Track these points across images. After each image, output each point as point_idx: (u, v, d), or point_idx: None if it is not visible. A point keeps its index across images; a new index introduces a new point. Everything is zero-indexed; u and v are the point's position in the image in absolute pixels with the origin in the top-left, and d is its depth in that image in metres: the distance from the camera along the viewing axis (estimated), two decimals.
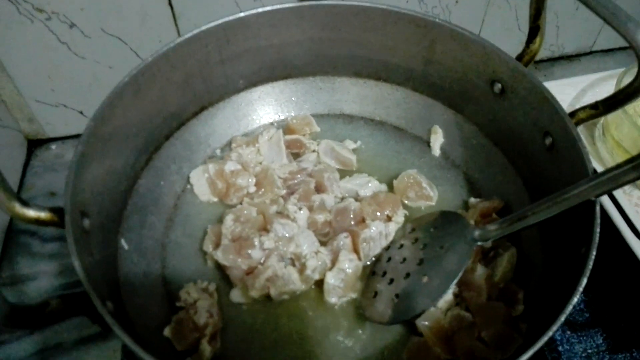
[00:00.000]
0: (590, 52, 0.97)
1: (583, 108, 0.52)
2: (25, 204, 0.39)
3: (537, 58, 0.56)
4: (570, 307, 0.39)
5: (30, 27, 0.64)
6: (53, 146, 0.77)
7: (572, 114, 0.52)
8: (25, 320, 0.34)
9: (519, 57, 0.56)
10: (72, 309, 0.38)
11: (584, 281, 0.40)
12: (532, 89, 0.53)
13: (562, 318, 0.38)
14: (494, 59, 0.55)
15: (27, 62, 0.67)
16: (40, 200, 0.71)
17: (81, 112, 0.76)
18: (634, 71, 0.45)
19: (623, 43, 0.59)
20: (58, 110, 0.74)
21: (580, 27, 0.90)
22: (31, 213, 0.39)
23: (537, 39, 0.56)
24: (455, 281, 0.47)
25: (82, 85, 0.72)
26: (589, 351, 0.56)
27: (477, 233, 0.49)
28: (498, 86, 0.57)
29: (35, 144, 0.77)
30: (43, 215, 0.39)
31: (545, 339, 0.37)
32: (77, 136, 0.78)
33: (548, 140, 0.52)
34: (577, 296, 0.39)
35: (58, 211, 0.40)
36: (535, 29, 0.56)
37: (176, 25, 0.70)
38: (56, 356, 0.56)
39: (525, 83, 0.53)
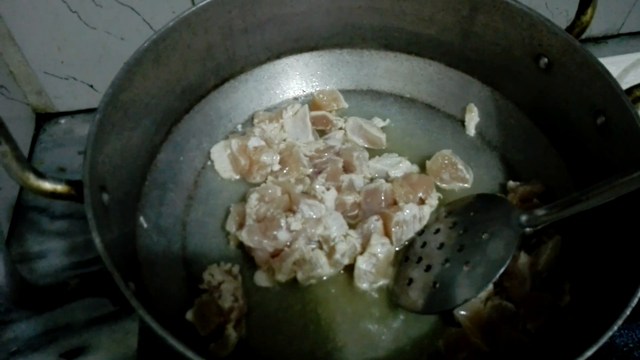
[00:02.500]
0: (618, 35, 0.92)
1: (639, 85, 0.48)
2: (41, 175, 0.36)
3: None
4: (635, 299, 0.35)
5: None
6: (62, 121, 0.75)
7: (628, 92, 0.48)
8: (43, 299, 0.31)
9: (569, 30, 0.52)
10: (91, 289, 0.35)
11: None
12: (583, 63, 0.49)
13: (628, 311, 0.35)
14: (541, 31, 0.51)
15: (36, 31, 0.64)
16: None
17: (91, 86, 0.72)
18: None
19: None
20: (67, 83, 0.71)
21: (608, 7, 0.86)
22: (47, 185, 0.36)
23: (589, 10, 0.52)
24: (502, 270, 0.44)
25: (92, 58, 0.69)
26: (630, 345, 0.53)
27: (524, 218, 0.45)
28: (544, 61, 0.52)
29: (43, 118, 0.74)
30: (60, 187, 0.36)
31: (609, 333, 0.34)
32: (86, 111, 0.75)
33: (600, 120, 0.48)
34: None
35: (76, 184, 0.37)
36: None
37: None
38: (66, 337, 0.54)
39: (577, 57, 0.49)
